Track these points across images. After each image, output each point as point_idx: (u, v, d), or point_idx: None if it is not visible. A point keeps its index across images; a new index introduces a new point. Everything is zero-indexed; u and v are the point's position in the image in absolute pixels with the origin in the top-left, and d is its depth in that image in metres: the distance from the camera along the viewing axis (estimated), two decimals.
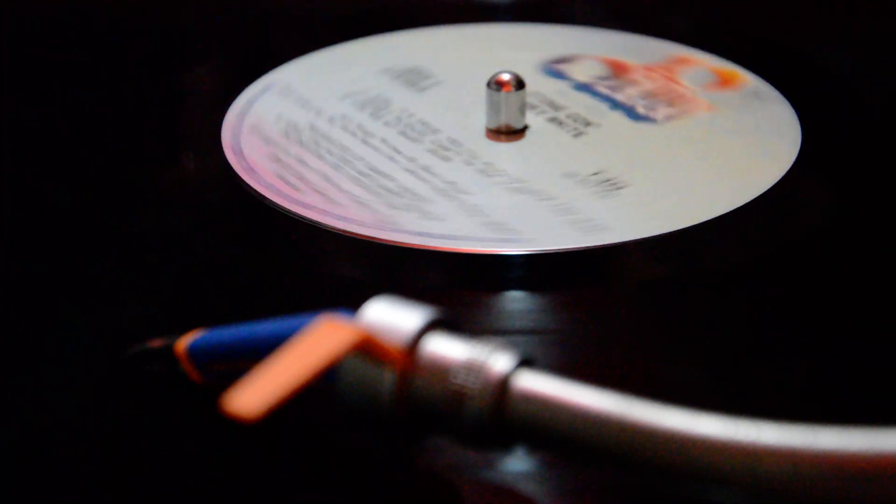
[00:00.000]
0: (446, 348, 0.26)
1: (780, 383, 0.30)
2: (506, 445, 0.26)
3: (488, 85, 0.40)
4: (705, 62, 0.44)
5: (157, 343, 0.29)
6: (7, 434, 0.29)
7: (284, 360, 0.25)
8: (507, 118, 0.40)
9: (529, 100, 0.41)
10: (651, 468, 0.24)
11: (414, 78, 0.44)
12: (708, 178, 0.38)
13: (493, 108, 0.40)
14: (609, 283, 0.35)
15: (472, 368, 0.26)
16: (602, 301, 0.33)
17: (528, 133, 0.41)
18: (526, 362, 0.26)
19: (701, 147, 0.40)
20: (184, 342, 0.29)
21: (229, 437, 0.28)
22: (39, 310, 0.33)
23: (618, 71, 0.44)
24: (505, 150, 0.40)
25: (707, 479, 0.24)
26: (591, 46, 0.46)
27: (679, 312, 0.33)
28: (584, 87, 0.43)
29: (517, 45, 0.46)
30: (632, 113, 0.42)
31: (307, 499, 0.27)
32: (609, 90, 0.43)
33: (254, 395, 0.24)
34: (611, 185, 0.38)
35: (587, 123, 0.41)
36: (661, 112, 0.41)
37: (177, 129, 0.43)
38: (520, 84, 0.40)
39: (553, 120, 0.41)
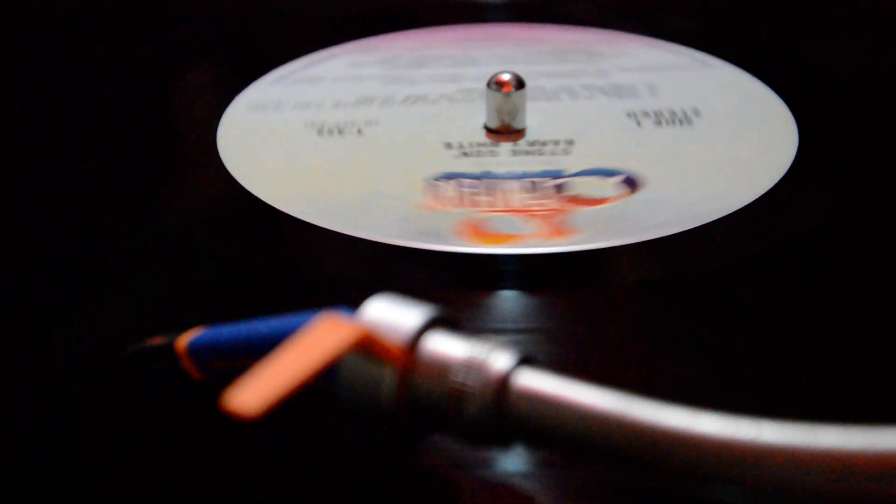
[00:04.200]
0: (446, 347, 0.26)
1: (780, 383, 0.30)
2: (506, 444, 0.26)
3: (488, 85, 0.40)
4: None
5: (157, 341, 0.29)
6: (7, 434, 0.29)
7: (285, 357, 0.25)
8: (507, 118, 0.40)
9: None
10: (651, 467, 0.24)
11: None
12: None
13: (493, 107, 0.40)
14: (608, 283, 0.35)
15: (471, 367, 0.26)
16: (601, 301, 0.33)
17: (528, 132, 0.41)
18: (526, 360, 0.26)
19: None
20: (184, 340, 0.29)
21: (230, 435, 0.28)
22: (40, 310, 0.33)
23: None
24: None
25: (707, 478, 0.24)
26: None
27: (678, 312, 0.33)
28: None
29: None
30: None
31: (307, 499, 0.27)
32: None
33: (254, 392, 0.24)
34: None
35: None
36: None
37: (175, 128, 0.43)
38: (520, 84, 0.40)
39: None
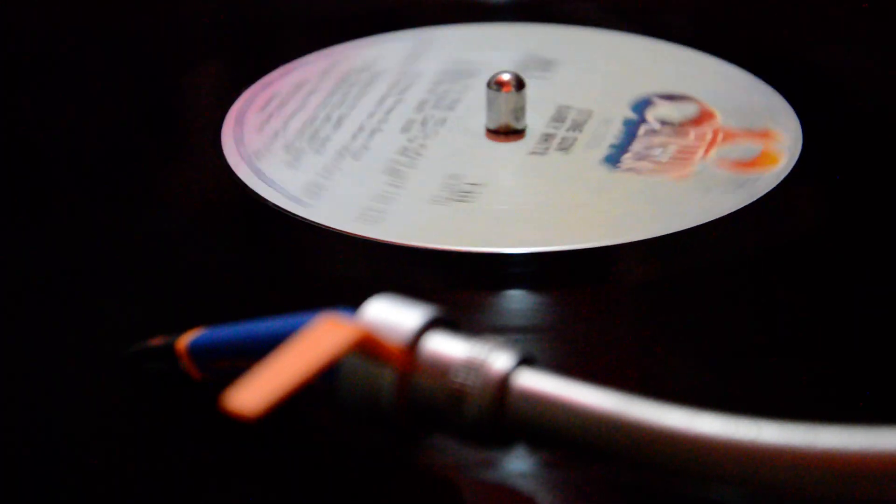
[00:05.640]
0: (446, 347, 0.26)
1: (780, 383, 0.30)
2: (506, 444, 0.26)
3: (488, 85, 0.40)
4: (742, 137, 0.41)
5: (157, 341, 0.29)
6: (7, 434, 0.29)
7: (285, 358, 0.25)
8: (507, 118, 0.40)
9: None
10: (651, 467, 0.24)
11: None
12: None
13: (493, 108, 0.40)
14: (609, 283, 0.35)
15: (471, 367, 0.26)
16: (602, 301, 0.33)
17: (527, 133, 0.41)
18: (526, 361, 0.26)
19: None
20: (185, 340, 0.29)
21: (230, 436, 0.28)
22: (40, 309, 0.33)
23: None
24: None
25: (707, 478, 0.24)
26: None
27: (679, 312, 0.33)
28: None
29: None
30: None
31: (307, 499, 0.27)
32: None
33: (254, 393, 0.24)
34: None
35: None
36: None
37: (177, 128, 0.43)
38: (520, 84, 0.40)
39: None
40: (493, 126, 0.41)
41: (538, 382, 0.25)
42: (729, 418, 0.24)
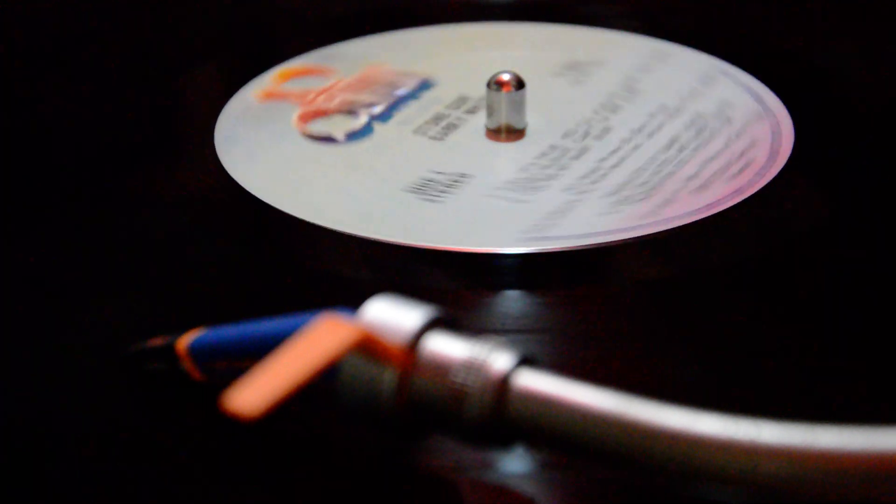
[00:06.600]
0: (446, 347, 0.26)
1: (780, 383, 0.30)
2: (506, 444, 0.26)
3: (488, 85, 0.40)
4: None
5: (158, 341, 0.29)
6: (7, 433, 0.29)
7: (285, 358, 0.25)
8: (507, 118, 0.40)
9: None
10: (651, 467, 0.24)
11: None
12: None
13: (493, 108, 0.40)
14: (609, 283, 0.35)
15: (472, 367, 0.26)
16: (602, 301, 0.33)
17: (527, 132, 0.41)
18: (526, 361, 0.26)
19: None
20: (185, 340, 0.29)
21: (230, 436, 0.28)
22: (40, 309, 0.33)
23: None
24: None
25: (706, 478, 0.24)
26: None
27: (678, 312, 0.33)
28: None
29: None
30: None
31: (307, 499, 0.27)
32: None
33: (254, 393, 0.24)
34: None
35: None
36: None
37: (173, 128, 0.43)
38: (520, 84, 0.40)
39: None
40: (493, 126, 0.41)
41: (538, 382, 0.25)
42: (729, 418, 0.24)
